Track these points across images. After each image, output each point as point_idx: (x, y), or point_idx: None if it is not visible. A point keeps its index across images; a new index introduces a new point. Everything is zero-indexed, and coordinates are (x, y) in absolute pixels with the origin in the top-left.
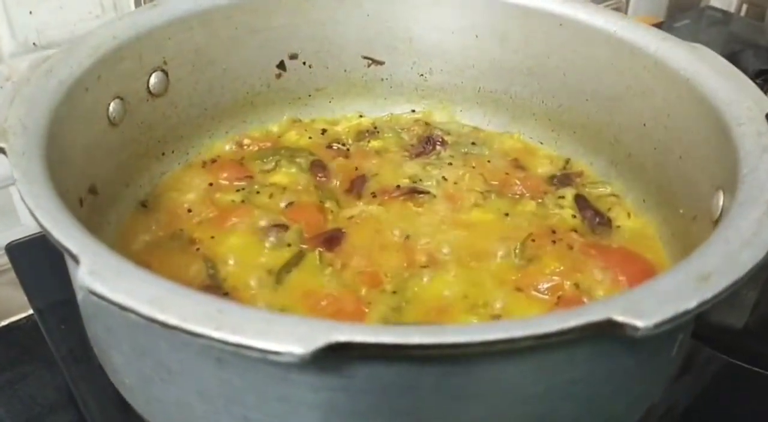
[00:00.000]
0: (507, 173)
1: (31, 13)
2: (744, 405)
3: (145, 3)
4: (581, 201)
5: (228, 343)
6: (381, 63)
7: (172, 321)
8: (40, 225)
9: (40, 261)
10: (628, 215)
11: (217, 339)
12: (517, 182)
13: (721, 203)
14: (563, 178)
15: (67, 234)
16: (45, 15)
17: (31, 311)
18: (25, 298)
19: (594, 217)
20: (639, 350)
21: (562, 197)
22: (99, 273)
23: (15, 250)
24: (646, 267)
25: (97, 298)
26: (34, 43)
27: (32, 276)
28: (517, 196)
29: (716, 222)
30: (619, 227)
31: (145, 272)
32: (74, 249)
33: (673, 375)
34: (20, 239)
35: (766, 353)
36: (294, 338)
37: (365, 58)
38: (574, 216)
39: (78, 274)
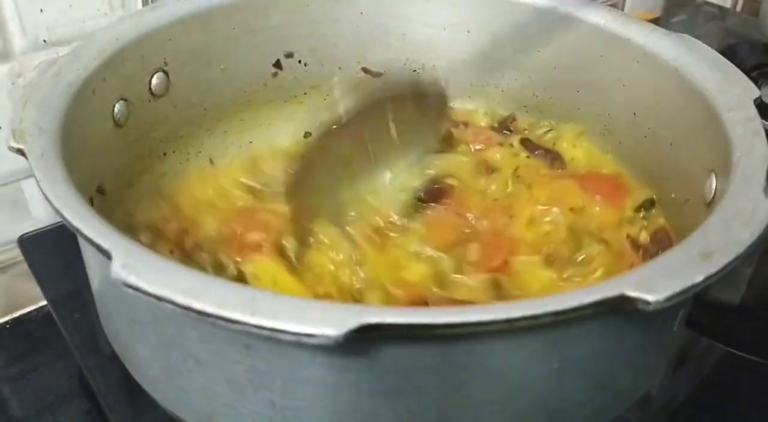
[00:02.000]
0: None
1: (41, 11)
2: (743, 395)
3: (152, 1)
4: (528, 144)
5: (264, 328)
6: (379, 75)
7: (209, 308)
8: (69, 224)
9: (52, 253)
10: (573, 145)
11: (253, 325)
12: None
13: (714, 186)
14: (502, 127)
15: (97, 231)
16: (55, 13)
17: (42, 304)
18: (37, 290)
19: (546, 155)
20: (645, 324)
21: (511, 145)
22: (132, 267)
23: (27, 242)
24: (612, 181)
25: (132, 291)
26: (44, 41)
27: (44, 268)
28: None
29: (709, 204)
30: (572, 159)
31: (176, 263)
32: (106, 245)
33: (674, 352)
34: (31, 231)
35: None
36: (327, 321)
37: (363, 69)
38: (528, 157)
39: (112, 268)
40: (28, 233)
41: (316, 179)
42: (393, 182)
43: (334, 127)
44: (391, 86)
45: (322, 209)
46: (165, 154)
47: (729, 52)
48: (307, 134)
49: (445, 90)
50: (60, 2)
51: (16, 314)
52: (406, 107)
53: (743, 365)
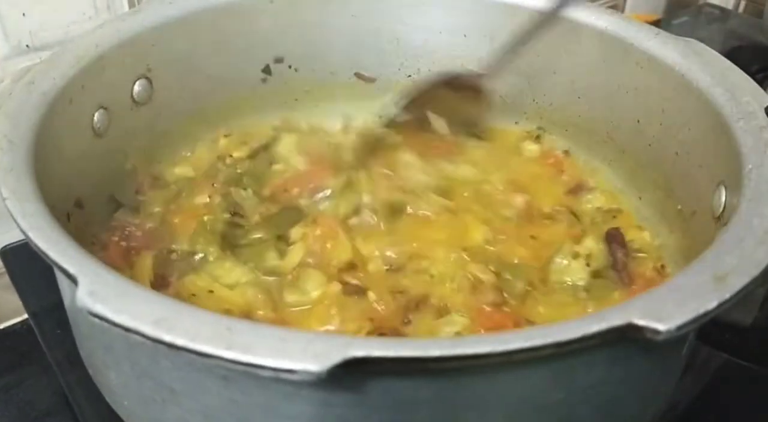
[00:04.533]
0: None
1: (24, 15)
2: (744, 403)
3: (138, 4)
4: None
5: (240, 363)
6: (372, 80)
7: (180, 341)
8: (34, 245)
9: (35, 265)
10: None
11: (228, 359)
12: None
13: (723, 199)
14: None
15: (64, 254)
16: (38, 17)
17: (26, 316)
18: (20, 302)
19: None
20: (654, 351)
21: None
22: (99, 294)
23: (9, 254)
24: None
25: (98, 320)
26: (27, 46)
27: (27, 280)
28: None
29: (719, 218)
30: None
31: (148, 290)
32: (72, 269)
33: (679, 375)
34: (14, 243)
35: None
36: (309, 355)
37: (356, 74)
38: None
39: (77, 295)
40: (10, 244)
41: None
42: None
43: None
44: (429, 83)
45: None
46: (148, 164)
47: (732, 55)
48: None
49: (480, 79)
50: (43, 6)
51: (0, 327)
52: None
53: (745, 372)
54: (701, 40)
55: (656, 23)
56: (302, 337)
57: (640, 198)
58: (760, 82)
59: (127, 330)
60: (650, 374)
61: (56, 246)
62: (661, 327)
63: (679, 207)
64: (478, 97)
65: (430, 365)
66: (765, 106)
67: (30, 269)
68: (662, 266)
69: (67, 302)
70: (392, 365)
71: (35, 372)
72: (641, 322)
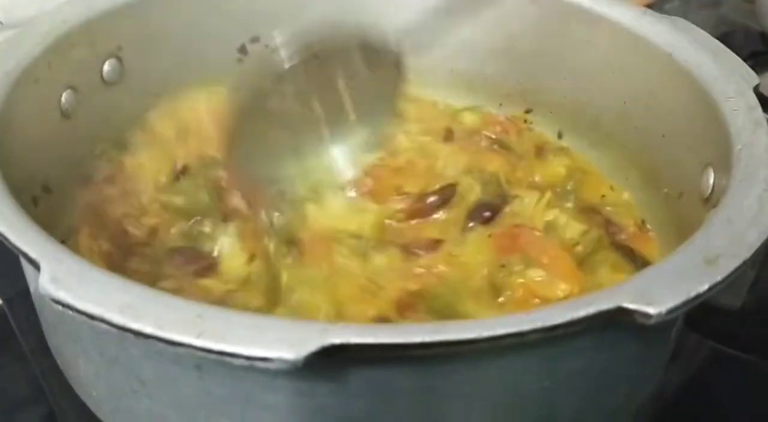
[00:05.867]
0: None
1: None
2: (732, 390)
3: None
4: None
5: (212, 351)
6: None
7: (148, 329)
8: None
9: (8, 250)
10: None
11: (199, 348)
12: None
13: (711, 180)
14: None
15: (24, 237)
16: None
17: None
18: None
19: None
20: (642, 336)
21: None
22: (62, 280)
23: None
24: None
25: (62, 307)
26: (0, 22)
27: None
28: None
29: (707, 200)
30: None
31: (114, 276)
32: (33, 254)
33: (667, 360)
34: None
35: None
36: (284, 342)
37: None
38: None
39: (39, 281)
40: None
41: (254, 140)
42: (344, 157)
43: (274, 78)
44: (338, 40)
45: (263, 179)
46: (118, 147)
47: (723, 40)
48: None
49: (399, 53)
50: None
51: None
52: (357, 66)
53: (732, 360)
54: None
55: (648, 8)
56: (277, 324)
57: (626, 179)
58: (753, 68)
59: (92, 317)
60: (637, 359)
61: (17, 231)
62: (651, 310)
63: (666, 190)
64: (393, 75)
65: (411, 352)
66: (754, 85)
67: (3, 254)
68: (642, 222)
69: (32, 289)
70: (372, 352)
71: (10, 360)
72: (631, 306)
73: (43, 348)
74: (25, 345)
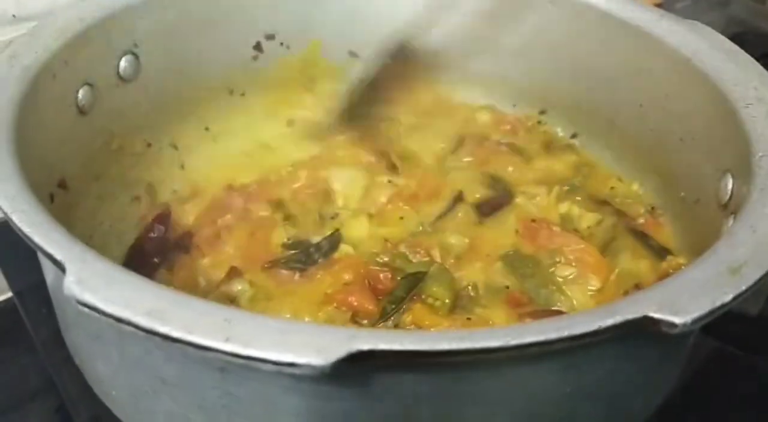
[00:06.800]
0: None
1: None
2: (732, 388)
3: None
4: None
5: (240, 356)
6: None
7: (176, 333)
8: (18, 230)
9: (20, 242)
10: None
11: (227, 352)
12: None
13: (730, 187)
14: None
15: (50, 239)
16: None
17: (10, 295)
18: (4, 281)
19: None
20: (663, 343)
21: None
22: (88, 282)
23: None
24: None
25: (87, 310)
26: (13, 15)
27: (11, 258)
28: None
29: (725, 206)
30: None
31: (140, 278)
32: (59, 256)
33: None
34: None
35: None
36: (311, 348)
37: (350, 53)
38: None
39: (65, 283)
40: None
41: None
42: None
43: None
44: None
45: None
46: (135, 143)
47: (734, 41)
48: (290, 122)
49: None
50: None
51: None
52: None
53: (733, 358)
54: None
55: (658, 7)
56: (305, 329)
57: (642, 184)
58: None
59: (119, 320)
60: (657, 366)
61: (41, 230)
62: (677, 320)
63: (682, 194)
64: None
65: (437, 359)
66: None
67: (15, 246)
68: (653, 208)
69: (50, 286)
70: (398, 358)
71: (20, 352)
72: (657, 315)
73: (54, 341)
74: (36, 337)
